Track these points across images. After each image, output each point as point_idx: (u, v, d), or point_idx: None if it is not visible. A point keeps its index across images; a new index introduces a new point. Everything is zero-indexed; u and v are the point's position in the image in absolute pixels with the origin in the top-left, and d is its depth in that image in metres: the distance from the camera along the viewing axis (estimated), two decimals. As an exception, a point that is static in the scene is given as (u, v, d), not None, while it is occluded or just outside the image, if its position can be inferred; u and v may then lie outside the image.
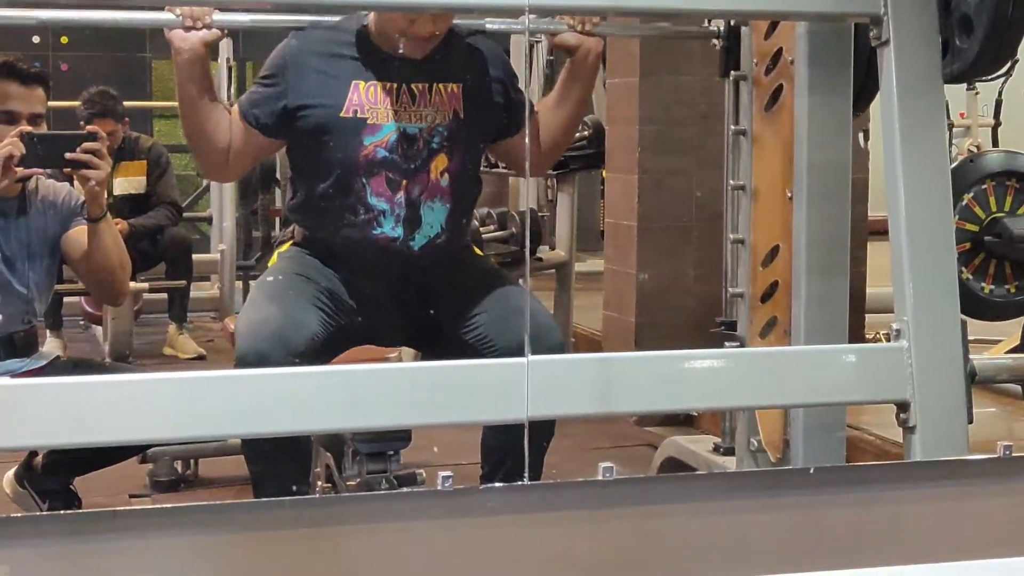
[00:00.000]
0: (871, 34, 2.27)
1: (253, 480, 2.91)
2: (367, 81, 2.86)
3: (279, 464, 2.82)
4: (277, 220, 7.39)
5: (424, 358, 4.16)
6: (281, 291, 2.84)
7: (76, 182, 3.19)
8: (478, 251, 3.18)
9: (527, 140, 2.97)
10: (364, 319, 2.93)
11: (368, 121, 2.85)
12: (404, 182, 2.86)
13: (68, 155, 3.01)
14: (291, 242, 3.04)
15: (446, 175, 2.89)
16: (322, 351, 2.79)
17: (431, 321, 2.95)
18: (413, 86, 2.86)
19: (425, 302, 2.94)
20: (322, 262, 2.93)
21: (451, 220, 2.91)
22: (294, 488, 2.79)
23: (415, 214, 2.87)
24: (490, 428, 2.90)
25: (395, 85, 2.85)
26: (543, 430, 2.80)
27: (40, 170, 3.21)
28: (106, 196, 3.18)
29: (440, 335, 2.95)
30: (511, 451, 2.88)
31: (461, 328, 2.89)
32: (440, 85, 2.89)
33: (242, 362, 2.68)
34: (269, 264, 3.06)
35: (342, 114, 2.85)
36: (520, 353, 2.74)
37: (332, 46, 2.88)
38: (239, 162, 2.96)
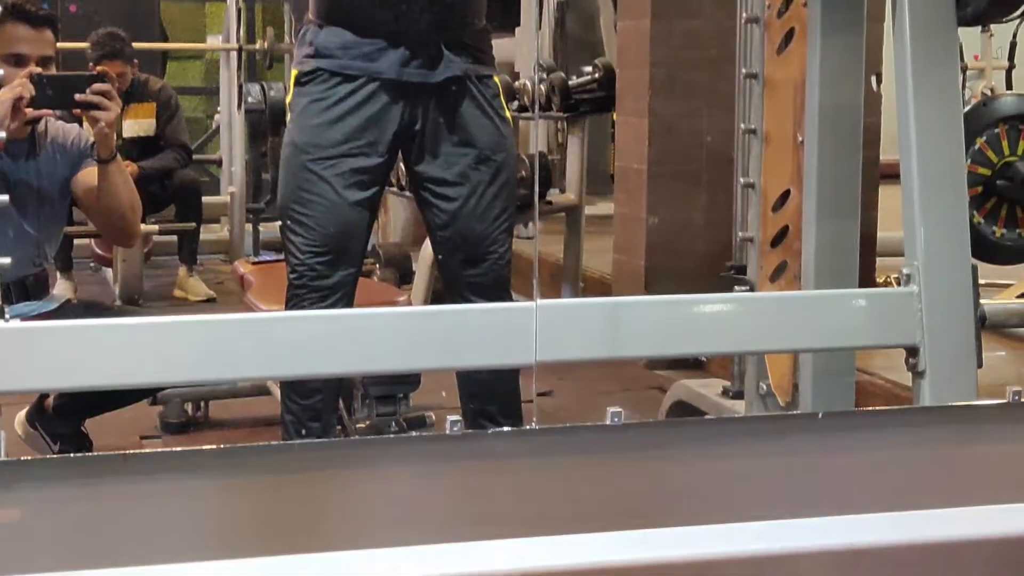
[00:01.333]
0: (885, -24, 2.24)
1: (285, 417, 2.97)
2: None
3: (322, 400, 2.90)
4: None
5: (435, 288, 4.18)
6: (315, 197, 2.91)
7: (86, 123, 3.19)
8: (507, 110, 3.15)
9: None
10: (382, 130, 2.97)
11: None
12: None
13: (78, 96, 3.01)
14: (295, 76, 3.04)
15: None
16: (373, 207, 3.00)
17: (423, 155, 3.02)
18: None
19: (439, 82, 2.97)
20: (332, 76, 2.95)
21: None
22: (319, 422, 2.85)
23: None
24: (464, 374, 2.94)
25: None
26: (510, 376, 2.86)
27: (50, 111, 3.20)
28: (115, 138, 3.18)
29: (418, 164, 3.04)
30: (486, 396, 2.94)
31: (430, 195, 2.99)
32: None
33: (300, 281, 2.85)
34: (287, 103, 3.07)
35: None
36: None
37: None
38: None
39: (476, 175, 2.97)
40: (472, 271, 2.98)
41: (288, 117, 3.05)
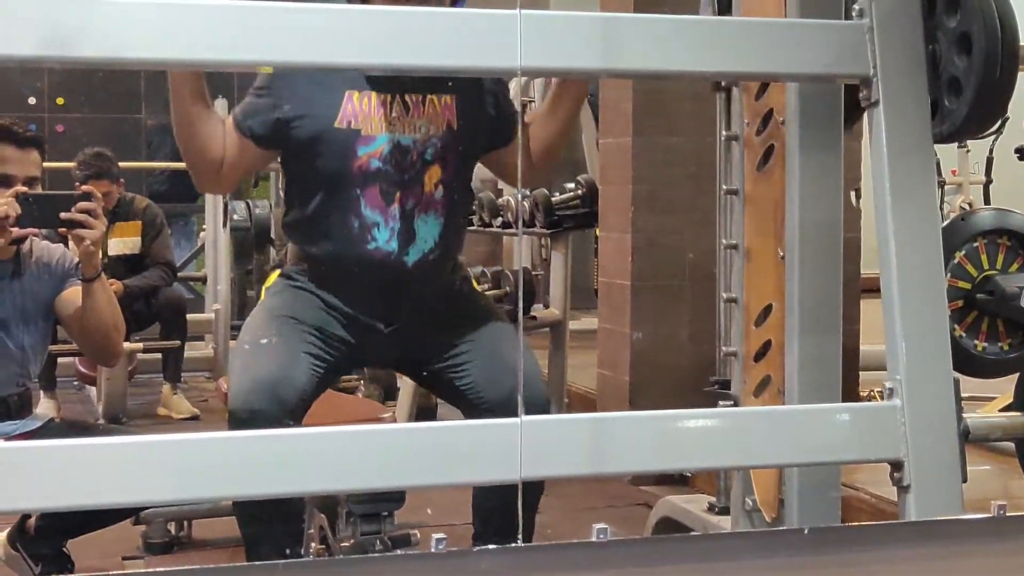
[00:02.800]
0: (860, 95, 2.28)
1: (246, 543, 2.90)
2: (361, 91, 2.86)
3: (272, 526, 2.81)
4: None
5: (419, 404, 4.15)
6: (271, 341, 2.83)
7: (71, 242, 3.20)
8: (475, 283, 3.17)
9: (520, 151, 2.99)
10: (355, 345, 2.93)
11: (362, 132, 2.86)
12: (398, 194, 2.86)
13: (63, 215, 3.03)
14: (278, 273, 3.04)
15: (440, 187, 2.90)
16: (315, 395, 2.80)
17: (422, 350, 2.95)
18: (407, 97, 2.88)
19: (418, 326, 2.94)
20: (311, 290, 2.93)
21: (445, 235, 2.91)
22: (287, 551, 2.78)
23: (409, 227, 2.87)
24: (479, 488, 2.89)
25: (389, 96, 2.86)
26: (533, 488, 2.80)
27: (35, 230, 3.22)
28: (101, 256, 3.19)
29: (430, 368, 2.96)
30: (501, 510, 2.88)
31: (452, 372, 2.90)
32: (433, 96, 2.90)
33: (235, 418, 2.68)
34: (260, 297, 3.07)
35: (336, 124, 2.86)
36: (509, 407, 2.76)
37: (324, 68, 2.90)
38: (232, 173, 2.94)
39: (473, 334, 2.94)
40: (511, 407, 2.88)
41: (262, 298, 3.04)
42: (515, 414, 2.66)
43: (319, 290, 2.93)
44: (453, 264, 3.04)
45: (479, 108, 2.96)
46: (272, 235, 7.33)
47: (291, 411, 2.69)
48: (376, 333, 2.94)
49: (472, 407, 2.86)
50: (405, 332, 2.95)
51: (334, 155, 2.86)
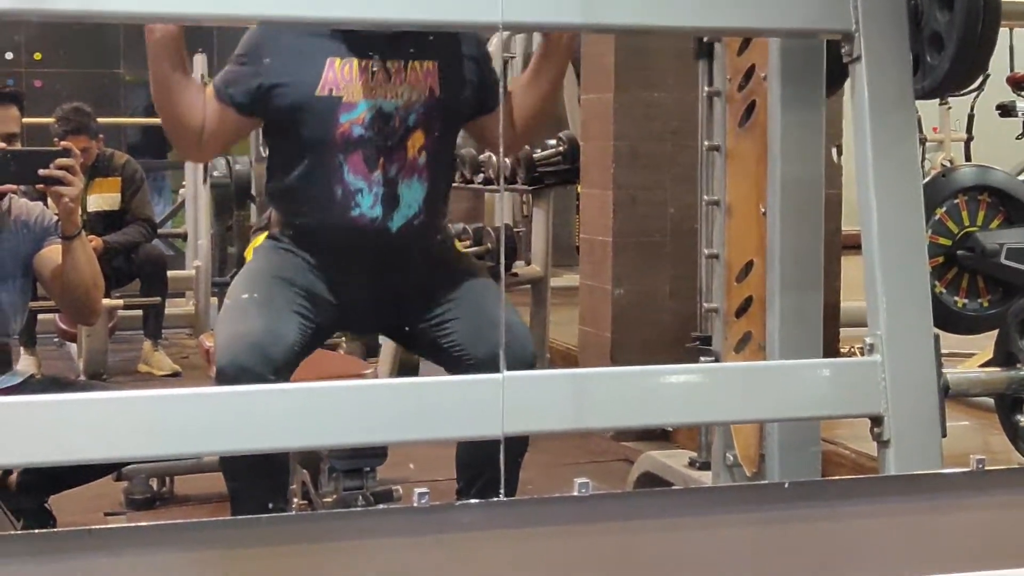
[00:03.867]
0: (843, 51, 2.28)
1: (231, 496, 2.91)
2: (342, 58, 2.85)
3: (257, 480, 2.82)
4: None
5: (401, 360, 4.15)
6: (258, 299, 2.83)
7: (50, 200, 3.19)
8: (459, 246, 3.17)
9: (501, 118, 2.98)
10: (341, 310, 2.93)
11: (343, 99, 2.85)
12: (381, 160, 2.86)
13: (42, 171, 3.01)
14: (266, 234, 3.03)
15: (423, 153, 2.89)
16: (302, 354, 2.81)
17: (407, 313, 2.95)
18: (388, 63, 2.86)
19: (402, 291, 2.94)
20: (297, 252, 2.93)
21: (429, 200, 2.91)
22: (271, 505, 2.79)
23: (393, 193, 2.87)
24: (463, 443, 2.90)
25: (370, 62, 2.85)
26: (517, 444, 2.81)
27: (13, 187, 3.20)
28: (80, 213, 3.18)
29: (415, 329, 2.96)
30: (485, 466, 2.89)
31: (436, 331, 2.90)
32: (415, 63, 2.89)
33: (222, 375, 2.68)
34: (245, 256, 3.06)
35: (317, 92, 2.85)
36: (494, 363, 2.76)
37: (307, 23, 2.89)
38: (213, 141, 2.94)
39: (456, 294, 2.94)
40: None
41: (248, 259, 3.03)
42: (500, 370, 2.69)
43: (304, 253, 2.93)
44: (437, 229, 3.04)
45: (461, 74, 2.95)
46: (253, 191, 7.29)
47: (278, 369, 2.70)
48: (361, 298, 2.94)
49: (457, 364, 2.86)
50: (390, 297, 2.95)
51: (316, 122, 2.85)
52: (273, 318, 2.78)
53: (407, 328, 2.99)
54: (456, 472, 2.98)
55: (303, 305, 2.85)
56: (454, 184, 5.78)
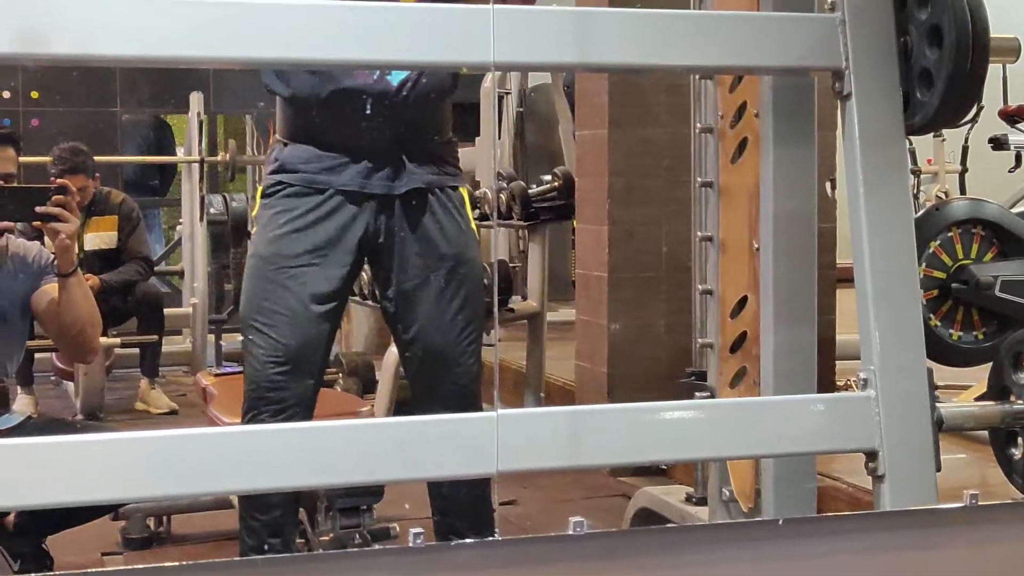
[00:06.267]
0: (833, 87, 2.30)
1: (242, 530, 2.94)
2: None
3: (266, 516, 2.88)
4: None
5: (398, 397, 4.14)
6: (279, 318, 2.91)
7: (46, 238, 3.20)
8: (469, 210, 3.15)
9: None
10: (344, 237, 2.97)
11: None
12: None
13: (38, 209, 3.02)
14: (260, 192, 3.05)
15: None
16: (338, 321, 3.04)
17: (399, 267, 3.02)
18: None
19: (403, 162, 2.98)
20: (294, 192, 2.96)
21: None
22: (280, 538, 2.82)
23: None
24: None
25: None
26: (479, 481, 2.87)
27: (10, 224, 3.21)
28: (77, 251, 3.19)
29: (395, 305, 3.05)
30: (458, 498, 2.94)
31: (403, 332, 3.02)
32: None
33: (253, 409, 2.75)
34: (252, 216, 3.07)
35: None
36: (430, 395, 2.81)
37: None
38: None
39: (441, 286, 2.99)
40: (439, 384, 2.99)
41: (252, 229, 3.06)
42: (439, 406, 2.77)
43: (305, 177, 2.96)
44: (441, 116, 3.06)
45: None
46: (250, 228, 7.31)
47: (321, 368, 2.91)
48: (361, 205, 2.97)
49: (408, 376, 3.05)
50: (392, 164, 2.97)
51: None
52: (294, 336, 2.86)
53: (391, 290, 3.04)
54: (431, 505, 3.02)
55: (317, 283, 2.93)
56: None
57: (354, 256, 2.98)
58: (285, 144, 3.00)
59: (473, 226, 3.12)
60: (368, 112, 2.91)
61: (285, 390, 2.87)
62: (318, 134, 2.95)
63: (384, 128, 2.92)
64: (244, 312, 2.98)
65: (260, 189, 3.05)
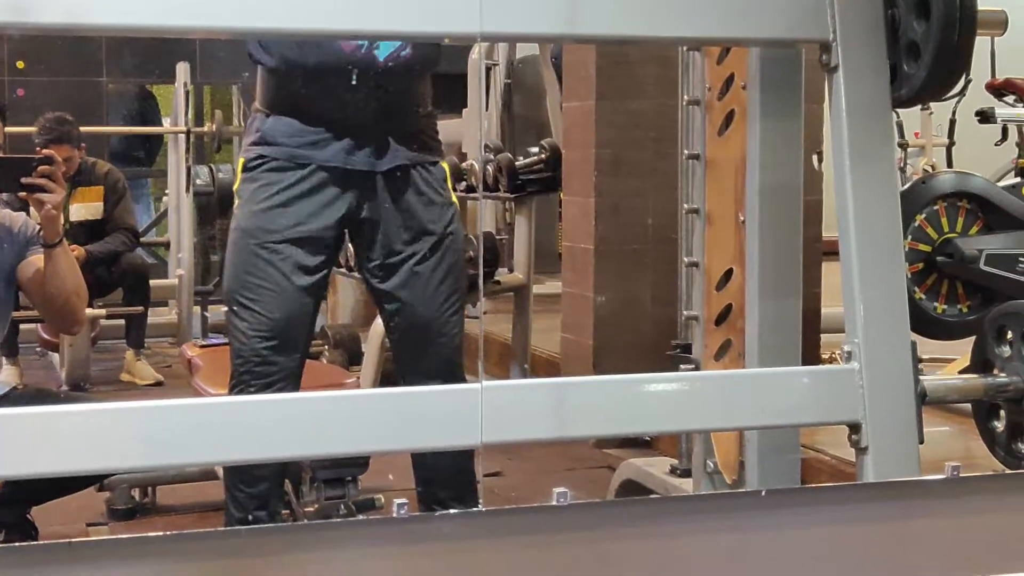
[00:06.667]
0: (821, 60, 2.30)
1: (228, 501, 2.95)
2: None
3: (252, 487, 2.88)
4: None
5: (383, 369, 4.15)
6: (261, 293, 2.90)
7: (32, 209, 3.19)
8: (453, 193, 3.15)
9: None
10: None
11: None
12: None
13: (24, 179, 3.01)
14: (242, 163, 3.04)
15: None
16: (319, 300, 3.01)
17: (381, 243, 3.02)
18: None
19: (388, 143, 2.97)
20: (276, 166, 2.95)
21: None
22: (267, 510, 2.83)
23: None
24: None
25: None
26: (465, 460, 2.89)
27: (-5, 194, 3.21)
28: (62, 222, 3.18)
29: (378, 277, 3.05)
30: (442, 468, 2.95)
31: (387, 302, 3.02)
32: None
33: (239, 381, 2.75)
34: (234, 190, 3.07)
35: None
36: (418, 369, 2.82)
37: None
38: None
39: (423, 258, 2.99)
40: (423, 355, 3.00)
41: (236, 203, 3.06)
42: (422, 377, 2.79)
43: (285, 151, 2.96)
44: (424, 90, 3.05)
45: None
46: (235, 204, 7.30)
47: (299, 346, 2.89)
48: (345, 182, 2.97)
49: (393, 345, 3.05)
50: (376, 143, 2.97)
51: None
52: (283, 309, 2.85)
53: (374, 264, 3.04)
54: (415, 476, 3.03)
55: (299, 260, 2.92)
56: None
57: (336, 231, 2.98)
58: (267, 115, 2.99)
59: (455, 199, 3.13)
60: (353, 84, 2.90)
61: (272, 364, 2.87)
62: (302, 106, 2.94)
63: (368, 101, 2.92)
64: (228, 286, 2.98)
65: (241, 161, 3.04)
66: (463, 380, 3.03)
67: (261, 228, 2.93)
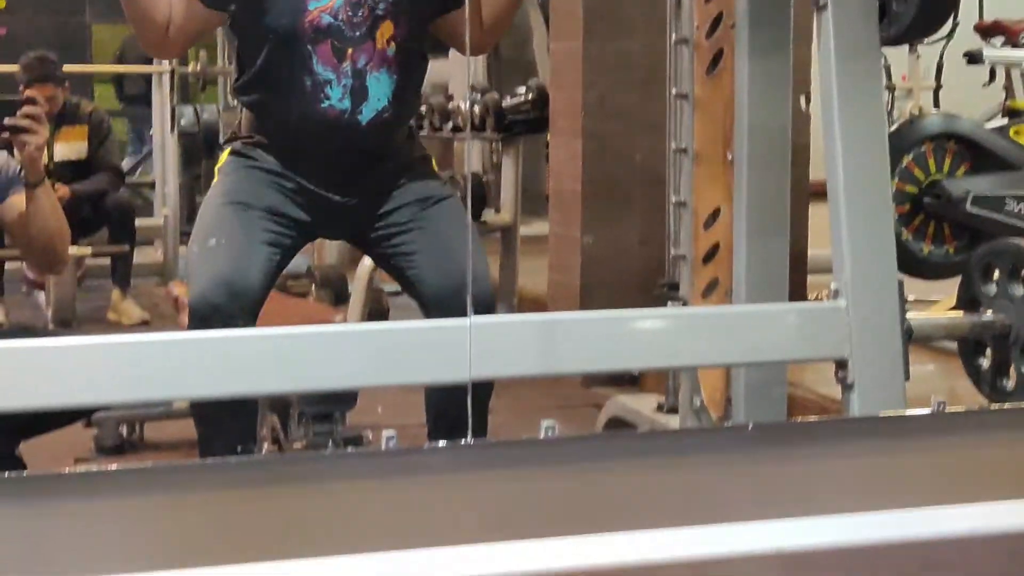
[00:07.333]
0: (810, -2, 2.29)
1: (200, 439, 2.92)
2: None
3: (226, 424, 2.83)
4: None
5: (370, 306, 4.13)
6: (225, 235, 2.82)
7: (15, 148, 3.17)
8: (435, 167, 3.15)
9: (467, 14, 2.97)
10: (310, 214, 2.93)
11: None
12: (350, 50, 2.86)
13: (6, 120, 2.99)
14: (229, 151, 3.01)
15: (392, 44, 2.89)
16: (272, 280, 2.84)
17: (375, 225, 2.96)
18: None
19: (373, 196, 2.94)
20: (262, 163, 2.92)
21: (398, 93, 2.91)
22: (240, 449, 2.80)
23: (361, 84, 2.87)
24: (431, 387, 2.92)
25: None
26: (482, 386, 2.82)
27: (-24, 137, 3.18)
28: (45, 162, 3.16)
29: (381, 251, 2.98)
30: (451, 407, 2.89)
31: (401, 260, 2.92)
32: None
33: (194, 315, 2.69)
34: (213, 178, 3.05)
35: None
36: (452, 301, 2.78)
37: None
38: (180, 36, 2.91)
39: (425, 216, 2.94)
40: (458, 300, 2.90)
41: (215, 180, 3.02)
42: (460, 310, 2.71)
43: (271, 162, 2.93)
44: (408, 132, 3.05)
45: None
46: (220, 140, 7.27)
47: (251, 301, 2.72)
48: (330, 205, 2.94)
49: (418, 296, 2.88)
50: (359, 203, 2.95)
51: (284, 11, 2.84)
52: (242, 254, 2.78)
53: (373, 243, 3.00)
54: (425, 416, 3.00)
55: (270, 229, 2.85)
56: (423, 133, 5.80)
57: (312, 238, 2.99)
58: (240, 155, 2.96)
59: (440, 182, 3.11)
60: (335, 144, 2.89)
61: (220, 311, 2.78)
62: (283, 151, 2.92)
63: (350, 158, 2.92)
64: (193, 237, 2.92)
65: (228, 150, 3.01)
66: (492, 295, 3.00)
67: (240, 192, 2.88)
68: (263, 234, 2.84)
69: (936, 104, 7.75)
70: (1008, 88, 6.26)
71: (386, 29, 2.88)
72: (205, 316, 2.65)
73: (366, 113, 2.88)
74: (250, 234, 2.82)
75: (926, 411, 1.61)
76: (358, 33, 2.85)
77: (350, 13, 2.84)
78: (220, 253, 2.77)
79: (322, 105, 2.86)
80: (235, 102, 3.10)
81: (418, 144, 3.13)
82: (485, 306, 2.77)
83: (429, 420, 2.98)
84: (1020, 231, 3.88)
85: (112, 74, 9.99)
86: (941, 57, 7.12)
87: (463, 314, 2.58)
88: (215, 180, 3.01)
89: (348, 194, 2.94)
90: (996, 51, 5.71)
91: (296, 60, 2.85)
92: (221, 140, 7.21)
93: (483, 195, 5.84)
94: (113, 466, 1.35)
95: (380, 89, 2.88)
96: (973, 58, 5.72)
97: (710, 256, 2.86)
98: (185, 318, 3.52)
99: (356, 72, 2.86)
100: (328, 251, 7.08)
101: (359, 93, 2.87)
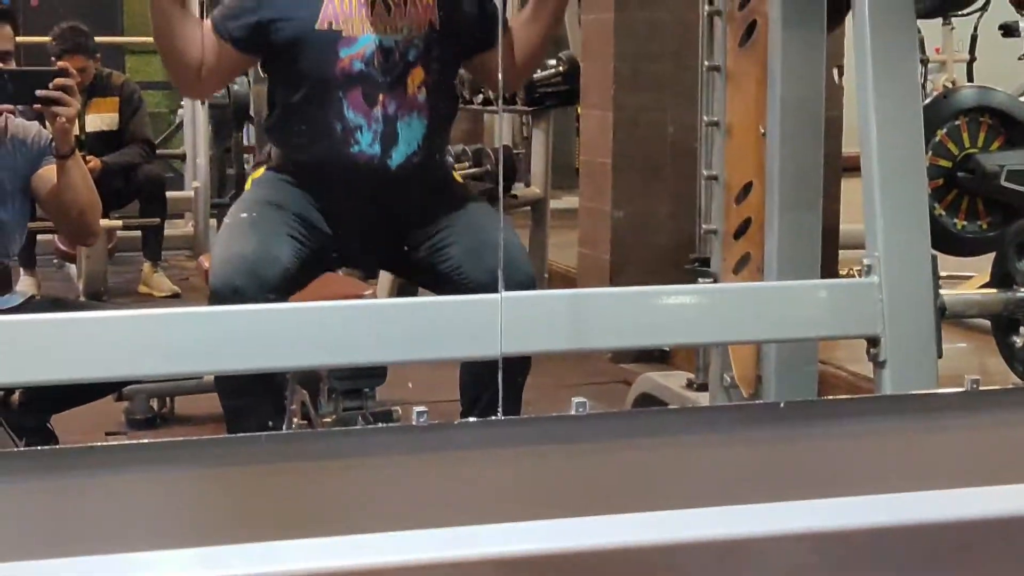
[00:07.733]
0: (845, -30, 2.27)
1: (227, 416, 2.92)
2: None
3: (253, 400, 2.83)
4: (250, 158, 7.37)
5: (399, 282, 4.14)
6: (254, 222, 2.83)
7: (47, 120, 3.18)
8: (457, 177, 3.17)
9: (500, 54, 2.96)
10: (339, 244, 2.94)
11: (343, 33, 2.84)
12: (381, 96, 2.86)
13: (39, 92, 3.00)
14: (264, 167, 3.03)
15: (423, 89, 2.88)
16: (296, 280, 2.81)
17: (406, 246, 2.96)
18: None
19: (401, 225, 2.94)
20: (296, 186, 2.93)
21: (428, 137, 2.91)
22: (269, 424, 2.80)
23: (392, 130, 2.87)
24: (467, 364, 2.91)
25: None
26: (519, 366, 2.81)
27: (10, 107, 3.19)
28: (76, 133, 3.17)
29: (414, 261, 2.96)
30: (487, 386, 2.89)
31: (434, 257, 2.90)
32: None
33: (215, 296, 2.69)
34: (245, 189, 3.06)
35: (317, 26, 2.84)
36: (492, 286, 2.76)
37: None
38: (212, 78, 2.94)
39: (453, 216, 2.93)
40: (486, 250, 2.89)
41: (247, 187, 3.02)
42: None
43: (303, 188, 2.93)
44: (437, 165, 3.04)
45: (461, 9, 2.94)
46: (251, 112, 7.25)
47: (272, 290, 2.70)
48: (359, 234, 2.96)
49: (455, 288, 2.86)
50: (387, 233, 2.96)
51: (316, 58, 2.84)
52: (266, 239, 2.78)
53: (404, 257, 2.99)
54: (459, 392, 3.00)
55: (297, 230, 2.85)
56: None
57: (334, 256, 3.00)
58: (276, 172, 2.98)
59: (461, 187, 3.13)
60: (365, 187, 2.90)
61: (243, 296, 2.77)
62: (309, 190, 2.93)
63: (378, 201, 2.92)
64: (223, 228, 2.93)
65: (262, 167, 3.02)
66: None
67: (276, 196, 2.90)
68: (292, 231, 2.85)
69: (970, 77, 7.68)
70: (1043, 61, 6.20)
71: (417, 75, 2.88)
72: (226, 298, 2.65)
73: (395, 158, 2.88)
74: (279, 227, 2.84)
75: (959, 390, 1.60)
76: (389, 79, 2.85)
77: (381, 60, 2.84)
78: (245, 240, 2.79)
79: (352, 150, 2.86)
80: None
81: (446, 168, 3.14)
82: (526, 287, 2.76)
83: (463, 398, 2.98)
84: (1055, 206, 3.85)
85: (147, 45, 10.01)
86: (975, 29, 7.07)
87: None
88: (247, 187, 3.03)
89: (377, 228, 2.96)
90: (1032, 24, 5.64)
91: (327, 105, 2.85)
92: (251, 112, 7.24)
93: (513, 168, 5.83)
94: (144, 440, 1.35)
95: (411, 134, 2.88)
96: (1008, 30, 5.66)
97: (741, 231, 2.84)
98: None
99: (387, 118, 2.86)
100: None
101: (389, 138, 2.87)
